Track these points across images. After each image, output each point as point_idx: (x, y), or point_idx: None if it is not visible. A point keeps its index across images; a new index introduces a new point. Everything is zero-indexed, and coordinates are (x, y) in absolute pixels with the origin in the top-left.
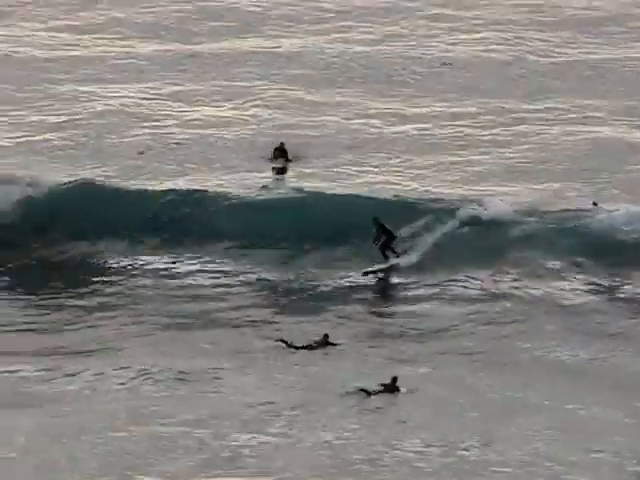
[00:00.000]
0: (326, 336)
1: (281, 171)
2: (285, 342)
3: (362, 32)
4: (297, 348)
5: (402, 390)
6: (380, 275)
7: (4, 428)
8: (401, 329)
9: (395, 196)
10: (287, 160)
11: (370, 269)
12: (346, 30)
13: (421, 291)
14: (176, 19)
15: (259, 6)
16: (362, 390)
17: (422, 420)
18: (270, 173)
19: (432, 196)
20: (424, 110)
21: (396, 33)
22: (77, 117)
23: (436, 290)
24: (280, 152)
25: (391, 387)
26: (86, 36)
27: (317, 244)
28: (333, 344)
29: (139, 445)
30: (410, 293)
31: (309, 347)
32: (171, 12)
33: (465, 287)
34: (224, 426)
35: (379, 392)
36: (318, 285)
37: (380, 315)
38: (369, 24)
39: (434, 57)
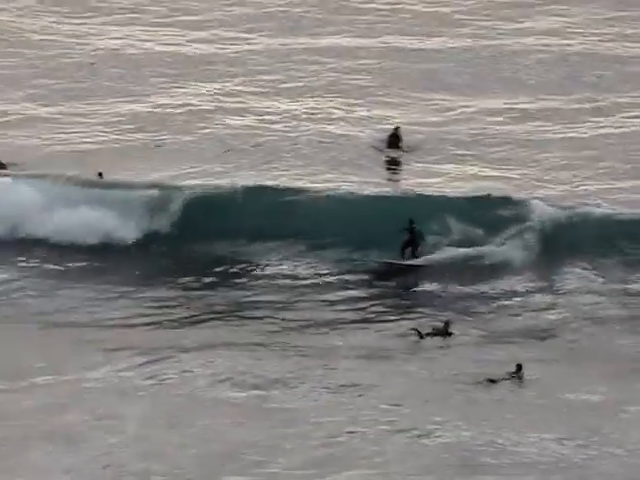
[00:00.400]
0: (447, 324)
1: (394, 162)
2: (417, 330)
3: (476, 27)
4: (421, 336)
5: (527, 377)
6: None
7: (117, 415)
8: (513, 321)
9: (496, 193)
10: (401, 149)
11: (390, 260)
12: (461, 25)
13: (530, 286)
14: (284, 12)
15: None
16: (489, 380)
17: (536, 413)
18: (383, 166)
19: (536, 194)
20: (535, 106)
21: (510, 28)
22: (186, 113)
23: (544, 284)
24: (394, 138)
25: (516, 374)
26: (194, 31)
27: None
28: (451, 333)
29: (254, 437)
30: (519, 287)
31: (431, 334)
32: (278, 5)
33: (570, 282)
34: (338, 415)
35: (504, 379)
36: (429, 280)
37: (493, 307)
38: (484, 19)
39: (546, 52)
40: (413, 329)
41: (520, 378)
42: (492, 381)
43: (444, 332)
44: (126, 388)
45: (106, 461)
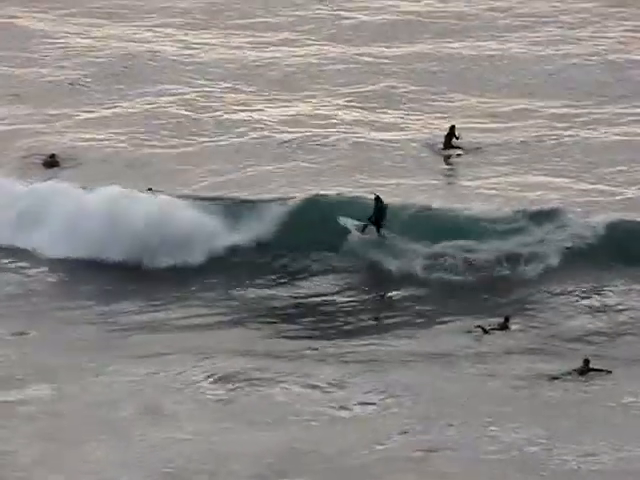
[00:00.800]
0: (507, 319)
1: (449, 164)
2: (481, 327)
3: (551, 35)
4: (485, 331)
5: (604, 372)
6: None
7: (172, 413)
8: (566, 321)
9: (546, 196)
10: (458, 147)
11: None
12: (514, 30)
13: (579, 289)
14: (330, 21)
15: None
16: (553, 378)
17: (593, 413)
18: (438, 169)
19: (587, 199)
20: (585, 110)
21: (575, 36)
22: (240, 117)
23: (594, 287)
24: (449, 137)
25: (583, 370)
26: (238, 34)
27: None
28: (510, 328)
29: (309, 439)
30: (568, 290)
31: (493, 329)
32: (327, 12)
33: (619, 285)
34: (393, 416)
35: (568, 375)
36: (479, 283)
37: (543, 308)
38: (560, 28)
39: (598, 57)
40: (478, 326)
41: (585, 373)
42: (554, 378)
43: (504, 326)
44: (182, 386)
45: (159, 456)
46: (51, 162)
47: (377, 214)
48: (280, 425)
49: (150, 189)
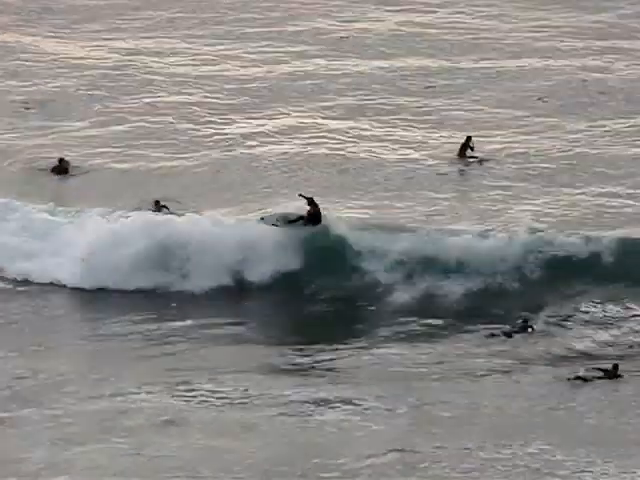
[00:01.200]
0: (525, 321)
1: (460, 171)
2: (502, 331)
3: (561, 47)
4: (509, 335)
5: (624, 376)
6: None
7: (183, 422)
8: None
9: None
10: (473, 157)
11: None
12: (546, 44)
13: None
14: (340, 35)
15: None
16: (578, 377)
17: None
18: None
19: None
20: (599, 128)
21: (586, 48)
22: (251, 137)
23: (611, 304)
24: (464, 147)
25: (612, 373)
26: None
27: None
28: (532, 327)
29: (350, 440)
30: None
31: (514, 331)
32: (337, 28)
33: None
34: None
35: (598, 378)
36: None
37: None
38: (569, 40)
39: (625, 74)
40: (501, 331)
41: (615, 377)
42: (583, 379)
43: (525, 328)
44: (191, 396)
45: (168, 464)
46: (59, 168)
47: (313, 219)
48: (288, 434)
49: (157, 202)
